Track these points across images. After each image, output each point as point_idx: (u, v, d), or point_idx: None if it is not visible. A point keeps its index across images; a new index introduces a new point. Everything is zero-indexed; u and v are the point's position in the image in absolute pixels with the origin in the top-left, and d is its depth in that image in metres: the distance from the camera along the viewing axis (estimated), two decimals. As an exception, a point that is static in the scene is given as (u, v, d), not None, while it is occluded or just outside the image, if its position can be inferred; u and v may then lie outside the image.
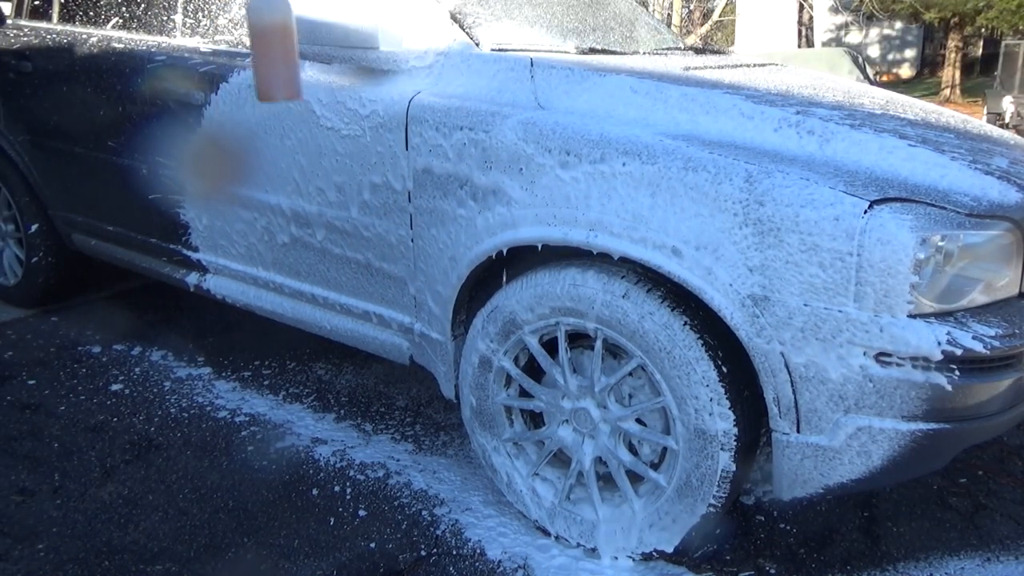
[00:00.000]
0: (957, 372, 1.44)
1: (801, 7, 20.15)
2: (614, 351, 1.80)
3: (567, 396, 1.85)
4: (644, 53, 2.45)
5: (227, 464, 2.24)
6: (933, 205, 1.48)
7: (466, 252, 1.89)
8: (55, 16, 2.94)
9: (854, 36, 24.44)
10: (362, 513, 2.03)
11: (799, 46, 20.02)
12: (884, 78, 22.36)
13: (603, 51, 2.28)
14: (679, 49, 2.75)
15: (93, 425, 2.44)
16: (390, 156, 1.98)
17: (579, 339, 1.86)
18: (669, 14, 16.60)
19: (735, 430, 1.63)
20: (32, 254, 3.24)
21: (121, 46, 2.63)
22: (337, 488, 2.12)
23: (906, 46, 25.69)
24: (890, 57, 25.81)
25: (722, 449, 1.64)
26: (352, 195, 2.08)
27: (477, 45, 2.00)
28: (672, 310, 1.64)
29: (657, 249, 1.60)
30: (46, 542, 1.90)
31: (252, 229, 2.38)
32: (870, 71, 14.04)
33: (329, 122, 2.08)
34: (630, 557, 1.82)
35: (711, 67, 2.22)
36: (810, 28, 21.28)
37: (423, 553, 1.88)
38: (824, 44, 22.90)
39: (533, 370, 1.94)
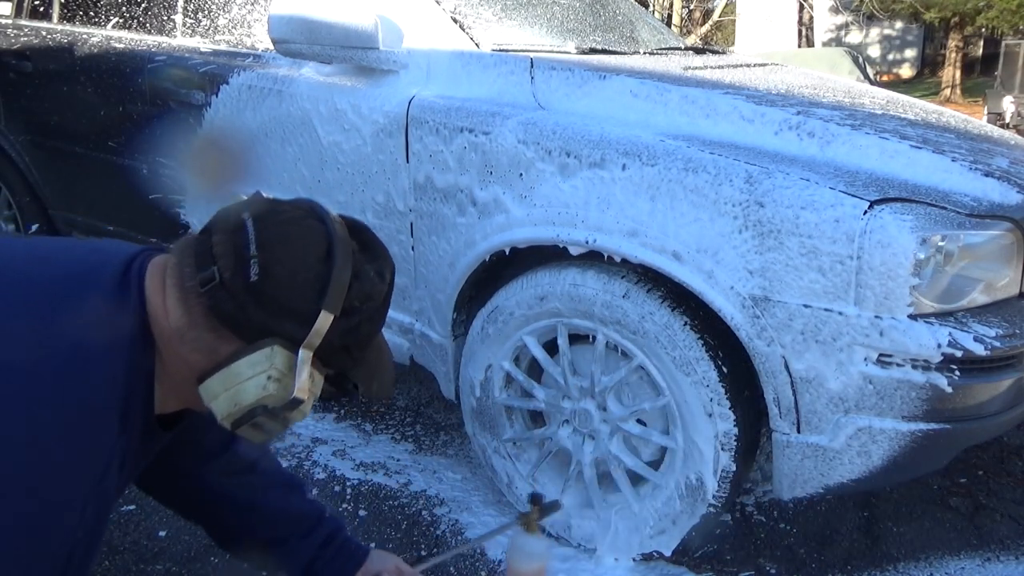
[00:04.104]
0: (957, 372, 1.44)
1: (801, 7, 20.14)
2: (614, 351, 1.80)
3: (567, 396, 1.85)
4: (644, 53, 2.45)
5: (227, 464, 2.23)
6: (933, 205, 1.48)
7: (463, 258, 1.89)
8: (55, 16, 2.94)
9: (854, 36, 24.43)
10: (362, 513, 2.03)
11: (799, 46, 20.00)
12: (884, 78, 22.35)
13: (603, 51, 2.28)
14: (679, 49, 2.75)
15: (93, 425, 2.43)
16: (391, 161, 1.98)
17: (579, 339, 1.86)
18: (669, 14, 16.59)
19: (735, 430, 1.63)
20: (32, 254, 3.23)
21: (121, 46, 2.63)
22: (337, 488, 2.12)
23: (906, 46, 25.69)
24: (890, 57, 25.82)
25: (722, 449, 1.64)
26: (356, 200, 2.08)
27: (477, 45, 2.00)
28: (672, 310, 1.64)
29: (658, 252, 1.60)
30: (46, 542, 1.90)
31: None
32: (870, 71, 14.04)
33: (328, 126, 2.08)
34: (631, 557, 1.82)
35: (711, 67, 2.22)
36: (810, 28, 21.26)
37: (423, 553, 1.88)
38: (824, 44, 22.88)
39: (533, 370, 1.94)
